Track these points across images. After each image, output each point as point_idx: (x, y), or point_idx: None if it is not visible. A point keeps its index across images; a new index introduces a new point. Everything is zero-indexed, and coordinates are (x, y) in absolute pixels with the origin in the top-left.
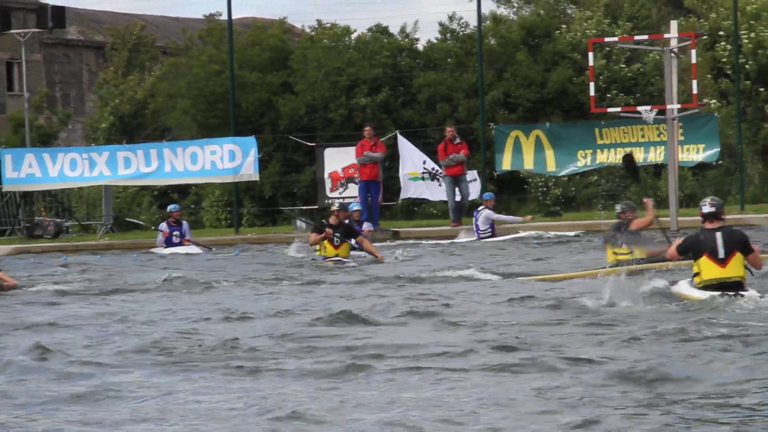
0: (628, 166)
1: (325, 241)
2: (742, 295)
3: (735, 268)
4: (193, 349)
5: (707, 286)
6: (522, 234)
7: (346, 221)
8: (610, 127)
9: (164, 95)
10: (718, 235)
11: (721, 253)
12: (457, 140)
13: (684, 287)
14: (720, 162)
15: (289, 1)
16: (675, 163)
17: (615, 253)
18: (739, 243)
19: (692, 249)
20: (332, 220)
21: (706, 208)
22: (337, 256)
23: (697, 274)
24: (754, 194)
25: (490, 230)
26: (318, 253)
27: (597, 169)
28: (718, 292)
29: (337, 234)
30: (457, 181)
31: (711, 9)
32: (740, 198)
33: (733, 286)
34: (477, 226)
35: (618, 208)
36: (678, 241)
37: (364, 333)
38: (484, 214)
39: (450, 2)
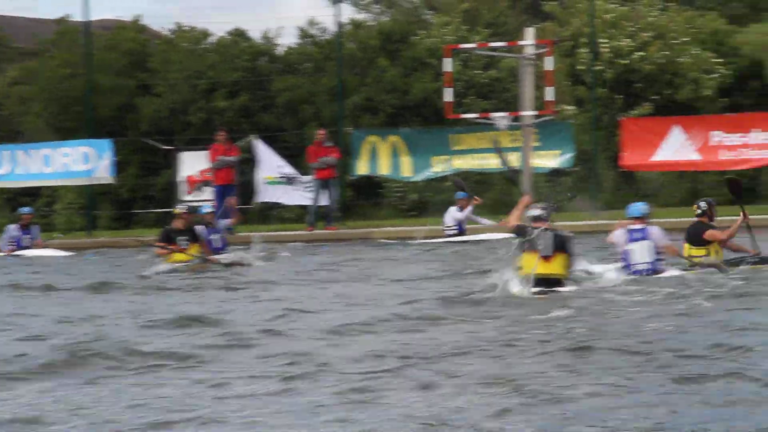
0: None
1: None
2: (564, 291)
3: (557, 266)
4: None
5: (531, 281)
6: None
7: (199, 224)
8: (465, 133)
9: (17, 99)
10: (544, 235)
11: (546, 251)
12: (328, 143)
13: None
14: (575, 168)
15: (147, 4)
16: (530, 170)
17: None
18: (562, 242)
19: (523, 241)
20: (178, 224)
21: (534, 212)
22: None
23: (520, 268)
24: (607, 200)
25: (456, 228)
26: (165, 262)
27: (452, 174)
28: (541, 287)
29: (184, 237)
30: (326, 184)
31: (573, 15)
32: (593, 204)
33: (553, 283)
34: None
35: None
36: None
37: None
38: (452, 212)
39: (310, 7)
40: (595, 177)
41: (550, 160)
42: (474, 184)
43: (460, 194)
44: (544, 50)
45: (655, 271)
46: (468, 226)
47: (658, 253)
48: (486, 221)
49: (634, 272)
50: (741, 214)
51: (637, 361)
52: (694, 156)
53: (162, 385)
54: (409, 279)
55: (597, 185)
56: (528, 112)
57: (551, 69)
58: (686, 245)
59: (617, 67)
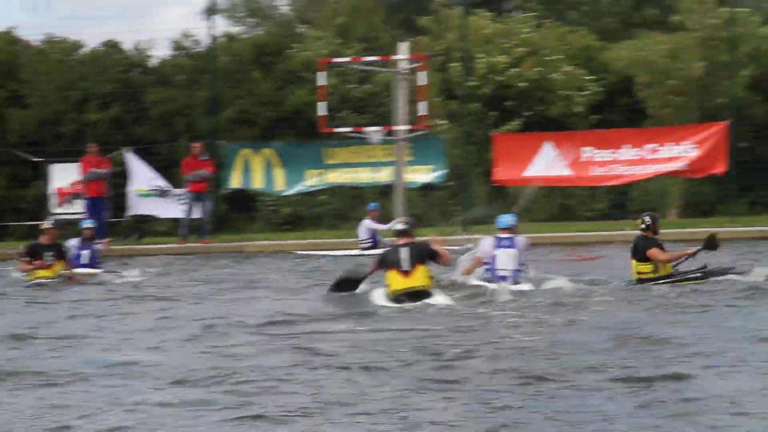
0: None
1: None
2: (429, 302)
3: (419, 278)
4: None
5: (396, 297)
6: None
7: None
8: (339, 147)
9: None
10: (404, 250)
11: (406, 266)
12: (203, 156)
13: (377, 296)
14: (447, 183)
15: (22, 15)
16: (402, 184)
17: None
18: (421, 254)
19: (383, 263)
20: (44, 239)
21: (399, 226)
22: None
23: (387, 286)
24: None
25: (371, 241)
26: (27, 277)
27: (326, 188)
28: (406, 301)
29: (50, 253)
30: (200, 197)
31: (446, 30)
32: (463, 219)
33: (419, 295)
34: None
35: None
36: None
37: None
38: (366, 224)
39: (184, 19)
40: (467, 192)
41: (422, 174)
42: (348, 198)
43: (371, 205)
44: (418, 65)
45: (515, 281)
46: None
47: (521, 264)
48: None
49: (498, 278)
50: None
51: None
52: (565, 171)
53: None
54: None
55: (469, 200)
56: (401, 127)
57: (424, 83)
58: (633, 261)
59: (492, 83)
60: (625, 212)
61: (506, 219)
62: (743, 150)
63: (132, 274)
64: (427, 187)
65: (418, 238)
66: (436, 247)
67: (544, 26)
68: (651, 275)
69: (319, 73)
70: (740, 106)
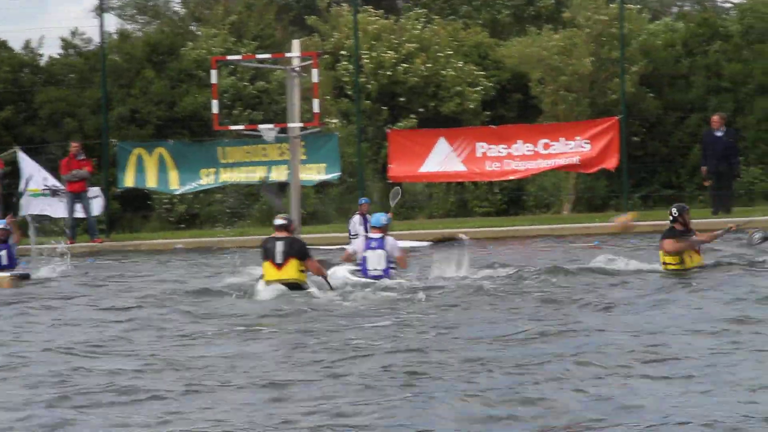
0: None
1: None
2: (297, 295)
3: (290, 271)
4: None
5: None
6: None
7: None
8: (233, 146)
9: None
10: (280, 243)
11: (279, 259)
12: (81, 156)
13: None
14: (342, 180)
15: None
16: (297, 182)
17: None
18: (296, 251)
19: (262, 254)
20: None
21: (277, 221)
22: None
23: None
24: (373, 212)
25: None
26: None
27: (221, 187)
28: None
29: None
30: (79, 197)
31: (334, 29)
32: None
33: (290, 286)
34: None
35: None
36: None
37: None
38: (356, 219)
39: (74, 18)
40: (361, 189)
41: (317, 172)
42: (242, 196)
43: (363, 200)
44: (310, 62)
45: (388, 278)
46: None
47: (390, 262)
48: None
49: (370, 277)
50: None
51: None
52: (460, 167)
53: None
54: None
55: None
56: (295, 124)
57: (317, 81)
58: (660, 252)
59: (381, 79)
60: (520, 207)
61: (378, 218)
62: (635, 145)
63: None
64: (322, 185)
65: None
66: (314, 264)
67: (434, 23)
68: (677, 266)
69: (212, 71)
70: (631, 102)
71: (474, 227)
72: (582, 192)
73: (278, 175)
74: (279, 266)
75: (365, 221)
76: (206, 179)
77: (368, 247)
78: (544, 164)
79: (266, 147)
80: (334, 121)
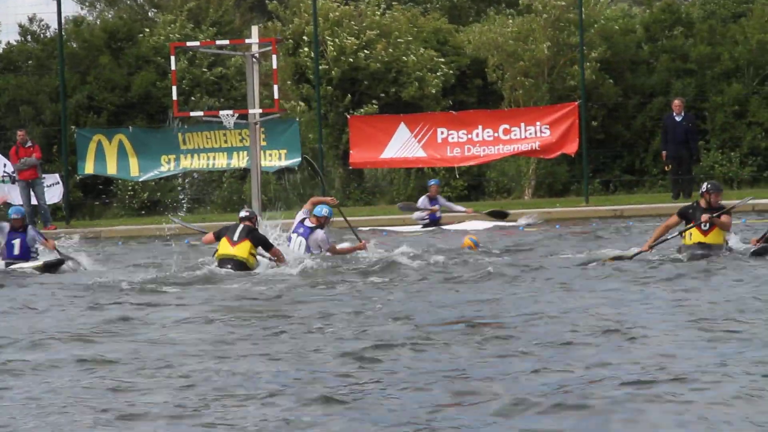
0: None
1: None
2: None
3: (242, 250)
4: None
5: (221, 260)
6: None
7: None
8: (193, 132)
9: None
10: (240, 226)
11: (235, 237)
12: (29, 144)
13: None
14: (303, 166)
15: None
16: (258, 168)
17: None
18: (253, 236)
19: (220, 234)
20: None
21: (242, 213)
22: None
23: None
24: (336, 198)
25: (430, 217)
26: None
27: (181, 173)
28: (227, 267)
29: None
30: (31, 185)
31: (294, 14)
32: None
33: (239, 265)
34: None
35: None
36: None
37: None
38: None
39: (31, 4)
40: (323, 175)
41: (278, 159)
42: (202, 183)
43: (432, 181)
44: (269, 48)
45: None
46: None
47: (312, 251)
48: (460, 207)
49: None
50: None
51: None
52: (420, 153)
53: None
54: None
55: (325, 183)
56: (255, 111)
57: (276, 67)
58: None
59: (342, 65)
60: (481, 193)
61: (320, 209)
62: (595, 130)
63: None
64: (283, 171)
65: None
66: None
67: (394, 9)
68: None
69: (171, 58)
70: (591, 87)
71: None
72: (543, 177)
73: (239, 161)
74: (234, 243)
75: (433, 203)
76: (167, 166)
77: (295, 230)
78: (504, 150)
79: (227, 133)
80: (301, 103)
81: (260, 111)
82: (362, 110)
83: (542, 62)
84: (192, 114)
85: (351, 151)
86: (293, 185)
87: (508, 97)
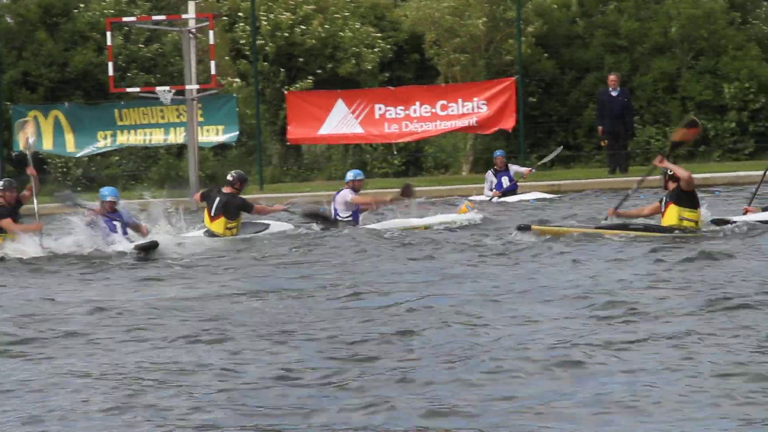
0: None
1: None
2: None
3: (218, 227)
4: None
5: (206, 230)
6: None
7: None
8: (130, 108)
9: None
10: (219, 198)
11: (212, 212)
12: None
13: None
14: (241, 142)
15: None
16: (195, 144)
17: None
18: (231, 209)
19: (205, 197)
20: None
21: (228, 177)
22: None
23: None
24: (273, 174)
25: (497, 188)
26: None
27: (118, 149)
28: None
29: None
30: None
31: None
32: (259, 178)
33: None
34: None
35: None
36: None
37: None
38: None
39: None
40: (260, 151)
41: (215, 135)
42: (139, 159)
43: (498, 152)
44: (206, 24)
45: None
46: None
47: (339, 212)
48: (523, 168)
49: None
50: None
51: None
52: (358, 129)
53: None
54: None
55: (263, 159)
56: (192, 86)
57: (213, 43)
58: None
59: (278, 41)
60: (419, 169)
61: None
62: (532, 105)
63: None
64: (220, 147)
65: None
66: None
67: None
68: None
69: (107, 33)
70: (527, 63)
71: (374, 188)
72: (480, 153)
73: (176, 137)
74: (212, 218)
75: (502, 175)
76: (103, 142)
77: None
78: (442, 126)
79: (164, 109)
80: (237, 80)
81: (197, 87)
82: (298, 86)
83: (479, 38)
84: (128, 90)
85: (288, 127)
86: (230, 161)
87: (445, 72)
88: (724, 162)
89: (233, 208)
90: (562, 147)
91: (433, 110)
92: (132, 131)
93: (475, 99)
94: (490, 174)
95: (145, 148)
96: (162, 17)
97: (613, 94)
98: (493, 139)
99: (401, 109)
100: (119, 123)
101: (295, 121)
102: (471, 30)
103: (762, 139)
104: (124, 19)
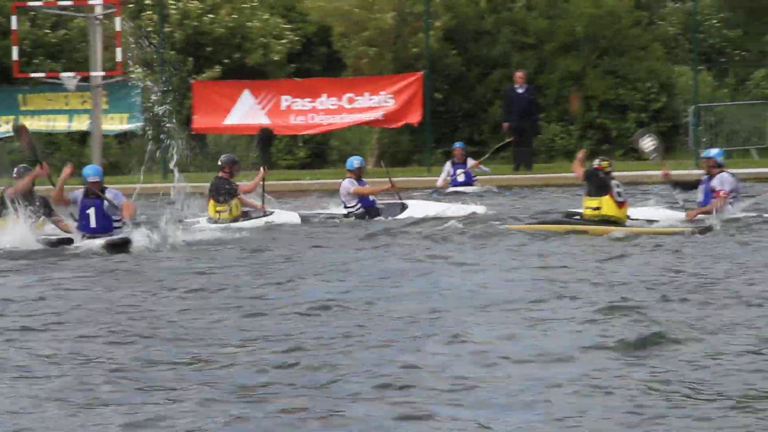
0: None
1: None
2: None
3: (210, 210)
4: None
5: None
6: None
7: None
8: (34, 94)
9: None
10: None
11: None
12: None
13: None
14: (145, 130)
15: None
16: (99, 131)
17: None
18: (215, 195)
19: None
20: None
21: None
22: None
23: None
24: (178, 163)
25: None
26: None
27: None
28: None
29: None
30: None
31: None
32: (162, 167)
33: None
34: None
35: None
36: None
37: None
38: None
39: None
40: (165, 140)
41: (119, 123)
42: (42, 145)
43: (457, 144)
44: (113, 11)
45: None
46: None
47: (344, 201)
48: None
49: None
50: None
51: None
52: (264, 120)
53: None
54: None
55: (167, 148)
56: (97, 73)
57: (119, 30)
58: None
59: (186, 29)
60: (324, 161)
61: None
62: (438, 101)
63: None
64: (125, 135)
65: None
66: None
67: None
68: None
69: (12, 17)
70: (435, 57)
71: (278, 180)
72: (386, 146)
73: (80, 124)
74: (206, 202)
75: (458, 167)
76: (5, 127)
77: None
78: (348, 119)
79: (68, 95)
80: (139, 69)
81: (102, 74)
82: (205, 75)
83: (387, 31)
84: (33, 75)
85: (194, 117)
86: (136, 149)
87: (353, 65)
88: (626, 161)
89: (223, 192)
90: (512, 139)
91: (340, 103)
92: (36, 117)
93: (382, 93)
94: (448, 164)
95: (48, 134)
96: (69, 2)
97: (520, 91)
98: (399, 133)
99: (308, 101)
100: (22, 108)
101: (201, 111)
102: (380, 23)
103: (664, 139)
104: (30, 3)
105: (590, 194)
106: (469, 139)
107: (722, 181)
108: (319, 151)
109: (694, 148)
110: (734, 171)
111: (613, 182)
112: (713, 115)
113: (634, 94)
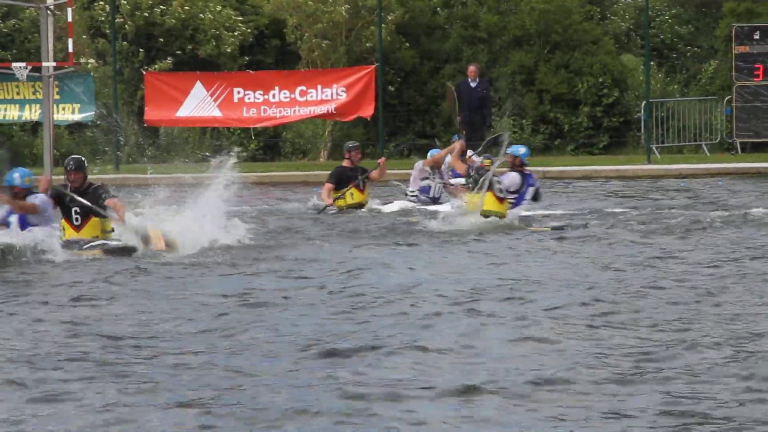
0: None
1: None
2: None
3: None
4: None
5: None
6: None
7: None
8: None
9: None
10: None
11: None
12: None
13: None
14: (97, 122)
15: None
16: (50, 122)
17: None
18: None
19: None
20: None
21: None
22: None
23: None
24: (129, 154)
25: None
26: None
27: None
28: None
29: None
30: None
31: None
32: (115, 158)
33: None
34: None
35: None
36: None
37: None
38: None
39: None
40: (117, 132)
41: (71, 113)
42: None
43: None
44: (64, 1)
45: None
46: None
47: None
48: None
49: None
50: None
51: None
52: (216, 112)
53: None
54: None
55: (119, 140)
56: (49, 64)
57: (71, 20)
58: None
59: (137, 20)
60: (277, 154)
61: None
62: (391, 94)
63: None
64: (76, 126)
65: None
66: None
67: None
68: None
69: None
70: (387, 51)
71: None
72: (338, 140)
73: (31, 114)
74: None
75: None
76: None
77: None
78: (301, 112)
79: (19, 85)
80: (90, 61)
81: (54, 64)
82: (157, 66)
83: (340, 24)
84: None
85: (146, 108)
86: (87, 141)
87: (305, 58)
88: (578, 156)
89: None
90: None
91: (293, 96)
92: None
93: (335, 86)
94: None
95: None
96: None
97: (472, 85)
98: (352, 126)
99: (260, 94)
100: None
101: (153, 103)
102: (333, 16)
103: (615, 135)
104: None
105: (472, 189)
106: (421, 132)
107: (510, 180)
108: (272, 144)
109: (646, 144)
110: (673, 167)
111: (495, 179)
112: (664, 111)
113: (586, 88)
